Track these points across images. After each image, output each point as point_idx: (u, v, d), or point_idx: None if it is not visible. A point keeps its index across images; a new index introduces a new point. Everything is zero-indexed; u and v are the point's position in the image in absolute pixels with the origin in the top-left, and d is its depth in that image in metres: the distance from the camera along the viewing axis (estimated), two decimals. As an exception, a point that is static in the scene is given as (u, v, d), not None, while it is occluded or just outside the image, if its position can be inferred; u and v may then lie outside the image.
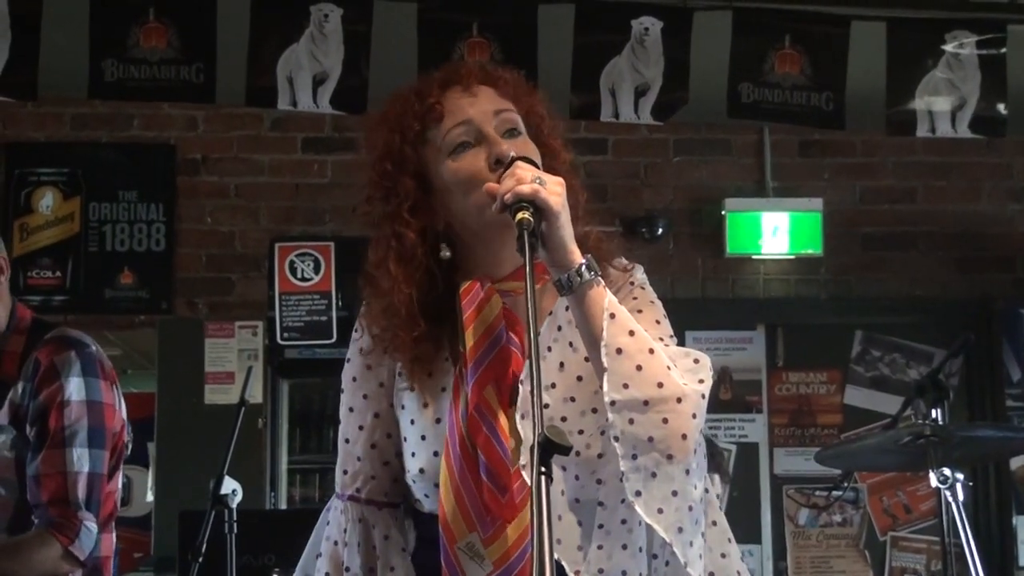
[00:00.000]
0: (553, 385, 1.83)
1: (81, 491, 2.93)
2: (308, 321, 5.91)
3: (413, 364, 1.93)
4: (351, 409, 2.04)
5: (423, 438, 1.92)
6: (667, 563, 1.87)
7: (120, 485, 3.16)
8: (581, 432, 1.81)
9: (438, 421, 1.89)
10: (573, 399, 1.83)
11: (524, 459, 1.75)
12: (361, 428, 2.02)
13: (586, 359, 1.84)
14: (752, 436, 6.24)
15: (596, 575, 1.79)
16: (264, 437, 5.94)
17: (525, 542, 1.78)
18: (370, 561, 1.95)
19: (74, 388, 2.97)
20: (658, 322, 1.90)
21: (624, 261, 1.98)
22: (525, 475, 1.75)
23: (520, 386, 1.83)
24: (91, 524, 2.94)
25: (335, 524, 2.01)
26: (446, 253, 1.92)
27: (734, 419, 6.23)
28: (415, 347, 1.91)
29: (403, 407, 1.97)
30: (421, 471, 1.92)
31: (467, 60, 2.03)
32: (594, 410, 1.81)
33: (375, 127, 1.97)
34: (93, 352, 3.06)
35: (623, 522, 1.83)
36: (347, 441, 2.04)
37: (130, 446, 3.31)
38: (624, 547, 1.83)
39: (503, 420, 1.82)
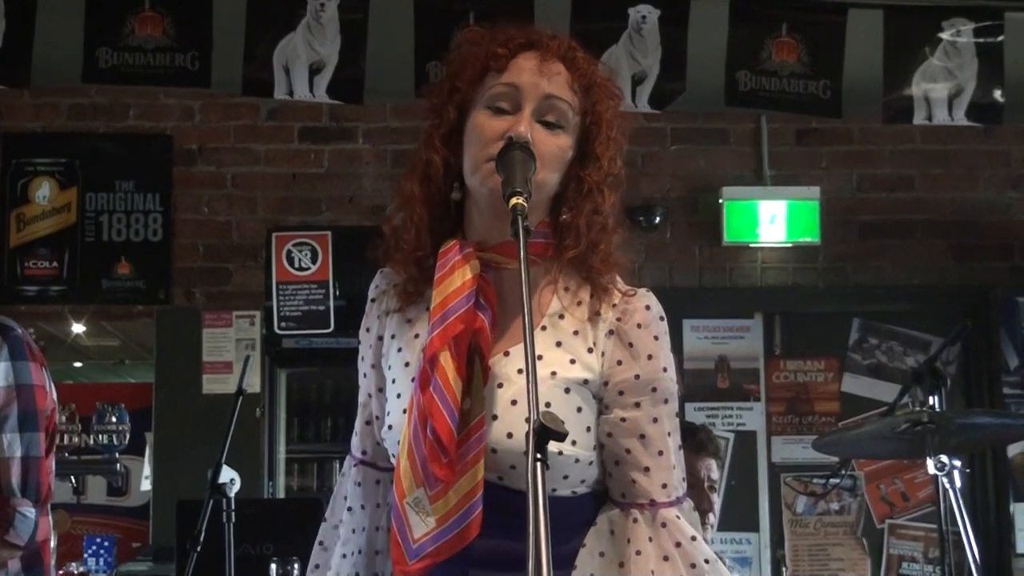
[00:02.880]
0: (521, 371, 1.84)
1: (15, 477, 2.91)
2: (305, 310, 5.92)
3: (405, 293, 1.97)
4: (364, 374, 2.08)
5: (398, 396, 1.93)
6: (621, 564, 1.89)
7: (52, 468, 3.11)
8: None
9: (413, 380, 1.89)
10: (548, 404, 1.83)
11: (498, 434, 1.80)
12: (369, 396, 2.06)
13: (571, 360, 1.87)
14: (750, 424, 6.25)
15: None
16: (262, 426, 5.95)
17: (469, 503, 1.78)
18: (376, 519, 2.01)
19: (1, 374, 2.93)
20: (669, 434, 1.91)
21: (648, 297, 1.95)
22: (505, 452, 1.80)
23: (476, 353, 1.84)
24: (27, 510, 2.92)
25: (347, 486, 2.07)
26: (456, 195, 1.94)
27: (732, 407, 6.24)
28: (414, 267, 1.95)
29: (389, 366, 1.99)
30: (390, 427, 1.94)
31: (559, 35, 1.99)
32: (547, 404, 1.79)
33: (463, 44, 2.00)
34: (19, 335, 3.02)
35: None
36: (360, 404, 2.09)
37: (126, 433, 3.29)
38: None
39: (454, 381, 1.81)
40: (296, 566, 3.74)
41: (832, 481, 5.36)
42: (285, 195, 6.16)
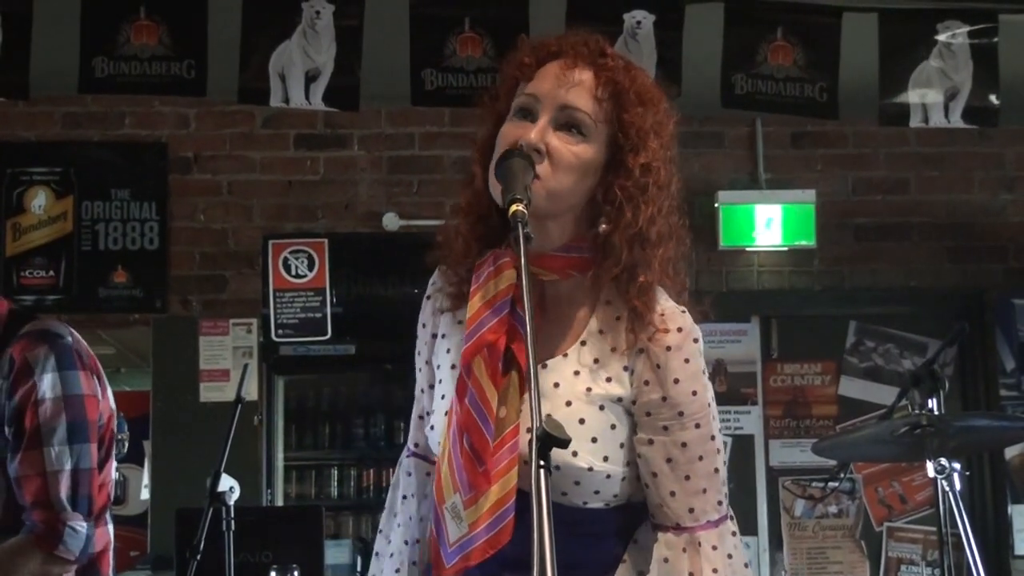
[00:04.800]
0: (557, 384, 1.87)
1: (64, 490, 2.84)
2: (302, 318, 5.91)
3: (454, 295, 1.99)
4: (419, 369, 2.10)
5: (443, 397, 1.95)
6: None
7: (113, 476, 3.06)
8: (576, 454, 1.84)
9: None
10: (570, 403, 1.87)
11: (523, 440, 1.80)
12: (422, 391, 2.08)
13: (608, 379, 1.88)
14: (747, 428, 6.25)
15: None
16: (260, 434, 5.94)
17: (500, 510, 1.79)
18: (424, 509, 2.03)
19: (48, 385, 2.86)
20: (701, 458, 1.91)
21: (682, 318, 1.93)
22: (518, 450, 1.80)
23: (513, 361, 1.84)
24: (78, 524, 2.85)
25: (401, 476, 2.10)
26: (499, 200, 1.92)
27: (729, 411, 6.23)
28: (464, 272, 1.96)
29: (438, 366, 2.01)
30: (432, 428, 1.97)
31: (595, 39, 1.98)
32: (581, 420, 1.85)
33: (511, 53, 2.00)
34: (68, 343, 2.94)
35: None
36: (416, 397, 2.12)
37: (125, 442, 3.26)
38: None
39: (488, 389, 1.82)
40: (295, 574, 3.74)
41: (830, 484, 5.33)
42: (281, 202, 6.16)
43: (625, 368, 1.88)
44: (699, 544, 1.88)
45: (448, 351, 1.98)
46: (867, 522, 6.24)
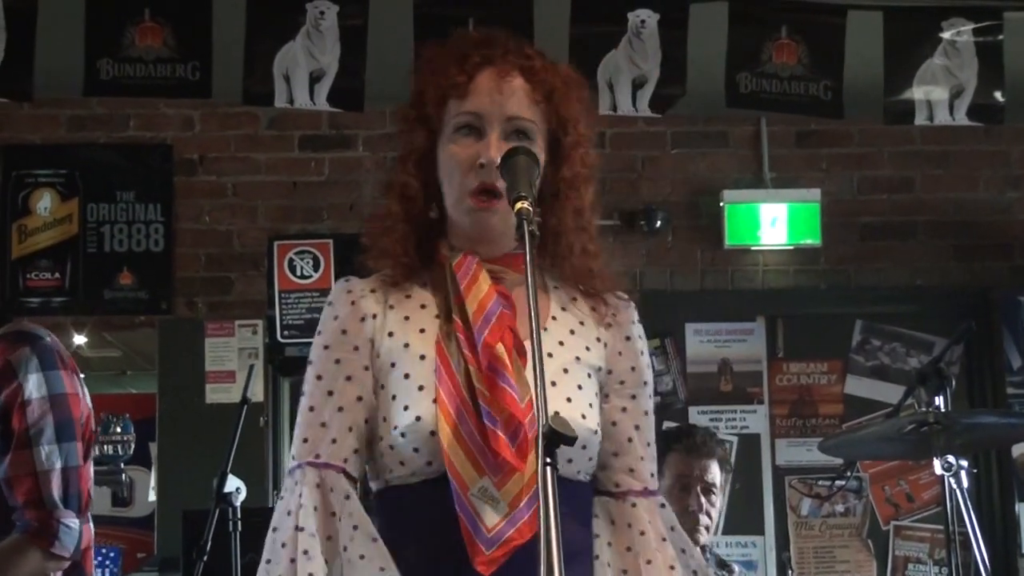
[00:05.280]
0: (551, 355, 1.90)
1: (56, 489, 2.88)
2: (308, 319, 5.91)
3: (395, 288, 2.02)
4: (319, 377, 1.99)
5: (420, 388, 1.92)
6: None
7: (91, 474, 3.08)
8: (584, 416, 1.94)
9: (435, 371, 1.92)
10: (567, 371, 1.95)
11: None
12: (330, 393, 1.97)
13: (587, 348, 1.99)
14: (753, 427, 6.24)
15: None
16: (266, 435, 5.94)
17: (535, 486, 1.75)
18: (328, 528, 1.88)
19: (33, 385, 2.89)
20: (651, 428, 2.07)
21: (630, 303, 2.11)
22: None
23: (516, 349, 1.90)
24: (70, 521, 2.90)
25: (289, 494, 1.92)
26: (434, 214, 2.03)
27: (735, 411, 6.23)
28: (401, 271, 2.01)
29: (392, 364, 1.96)
30: (417, 418, 1.89)
31: (511, 39, 2.02)
32: (579, 387, 1.95)
33: (421, 67, 2.05)
34: (49, 343, 2.98)
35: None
36: (311, 409, 1.97)
37: (131, 444, 3.28)
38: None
39: (516, 370, 1.88)
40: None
41: (837, 483, 5.36)
42: (286, 203, 6.16)
43: (598, 339, 2.01)
44: (663, 506, 2.05)
45: (407, 345, 1.95)
46: (874, 521, 6.23)
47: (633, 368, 2.03)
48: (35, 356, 2.92)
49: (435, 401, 1.88)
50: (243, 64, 4.44)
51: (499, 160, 1.88)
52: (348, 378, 1.97)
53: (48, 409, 2.91)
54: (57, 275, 6.00)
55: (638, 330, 2.07)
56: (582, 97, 2.07)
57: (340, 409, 1.95)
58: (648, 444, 2.04)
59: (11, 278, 5.97)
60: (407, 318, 1.99)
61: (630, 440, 2.01)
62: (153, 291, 6.04)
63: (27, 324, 3.06)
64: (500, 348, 1.87)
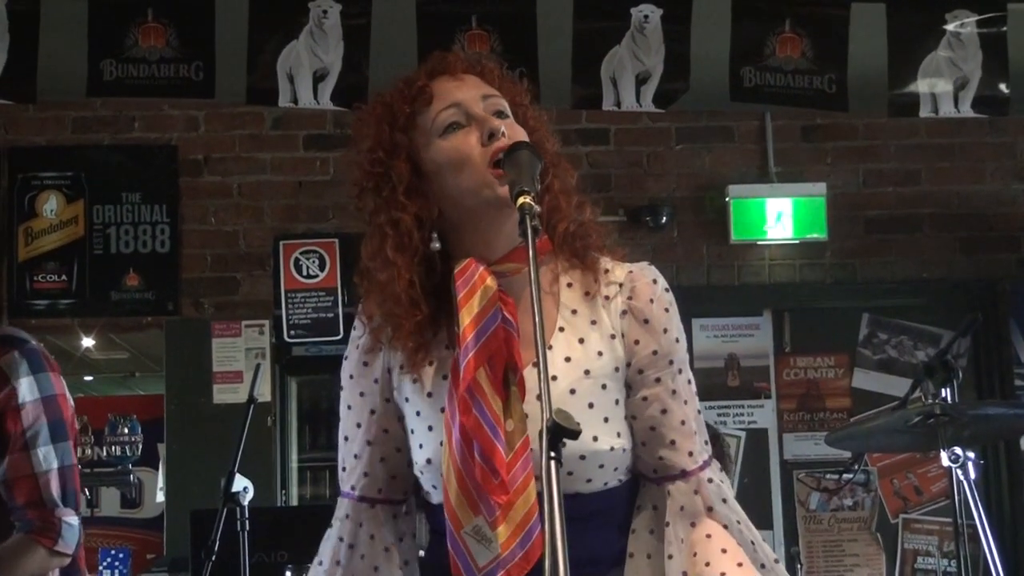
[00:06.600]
0: (555, 377, 1.84)
1: (55, 489, 2.93)
2: (315, 318, 5.92)
3: (416, 352, 1.92)
4: (349, 407, 2.01)
5: (430, 428, 1.91)
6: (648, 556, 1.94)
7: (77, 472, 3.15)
8: (596, 438, 1.87)
9: (443, 410, 1.88)
10: (574, 391, 1.87)
11: (535, 444, 1.74)
12: (359, 425, 2.00)
13: (599, 353, 1.90)
14: (761, 422, 6.24)
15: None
16: (273, 435, 5.95)
17: (528, 525, 1.78)
18: (340, 555, 1.98)
19: (26, 389, 2.94)
20: (686, 402, 1.97)
21: (651, 270, 2.02)
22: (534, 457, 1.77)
23: (510, 371, 1.84)
24: (70, 519, 2.95)
25: (337, 520, 2.03)
26: (436, 245, 1.91)
27: (743, 405, 6.23)
28: (418, 334, 1.91)
29: (407, 399, 1.95)
30: (428, 461, 1.91)
31: (451, 52, 2.05)
32: (591, 405, 1.87)
33: (363, 120, 1.98)
34: (35, 347, 3.03)
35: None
36: (346, 439, 2.02)
37: (139, 444, 3.32)
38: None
39: (494, 402, 1.82)
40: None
41: (845, 476, 5.34)
42: (291, 203, 6.17)
43: (612, 336, 1.92)
44: (710, 481, 1.95)
45: (415, 380, 1.93)
46: (883, 514, 6.22)
47: (655, 352, 1.91)
48: (24, 360, 2.96)
49: (443, 444, 1.86)
50: (246, 64, 4.44)
51: (503, 129, 1.87)
52: (372, 412, 1.99)
53: (42, 411, 2.96)
54: (64, 277, 6.01)
55: (658, 303, 1.94)
56: (525, 91, 2.04)
57: (369, 443, 1.99)
58: (682, 422, 1.93)
59: (18, 281, 5.98)
60: (418, 349, 1.93)
61: (653, 429, 1.92)
62: (160, 292, 6.05)
63: (9, 328, 3.14)
64: (482, 373, 1.81)
